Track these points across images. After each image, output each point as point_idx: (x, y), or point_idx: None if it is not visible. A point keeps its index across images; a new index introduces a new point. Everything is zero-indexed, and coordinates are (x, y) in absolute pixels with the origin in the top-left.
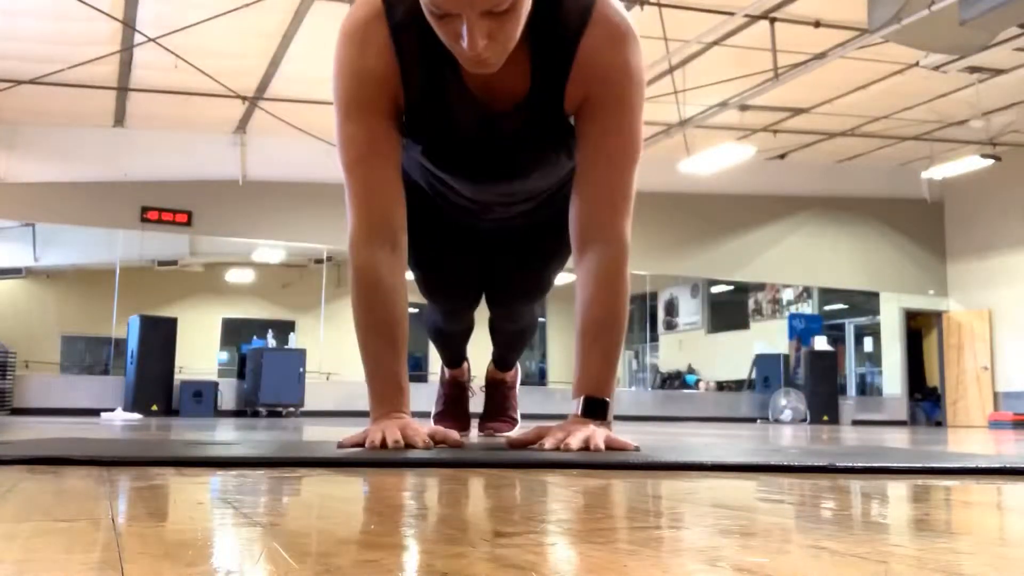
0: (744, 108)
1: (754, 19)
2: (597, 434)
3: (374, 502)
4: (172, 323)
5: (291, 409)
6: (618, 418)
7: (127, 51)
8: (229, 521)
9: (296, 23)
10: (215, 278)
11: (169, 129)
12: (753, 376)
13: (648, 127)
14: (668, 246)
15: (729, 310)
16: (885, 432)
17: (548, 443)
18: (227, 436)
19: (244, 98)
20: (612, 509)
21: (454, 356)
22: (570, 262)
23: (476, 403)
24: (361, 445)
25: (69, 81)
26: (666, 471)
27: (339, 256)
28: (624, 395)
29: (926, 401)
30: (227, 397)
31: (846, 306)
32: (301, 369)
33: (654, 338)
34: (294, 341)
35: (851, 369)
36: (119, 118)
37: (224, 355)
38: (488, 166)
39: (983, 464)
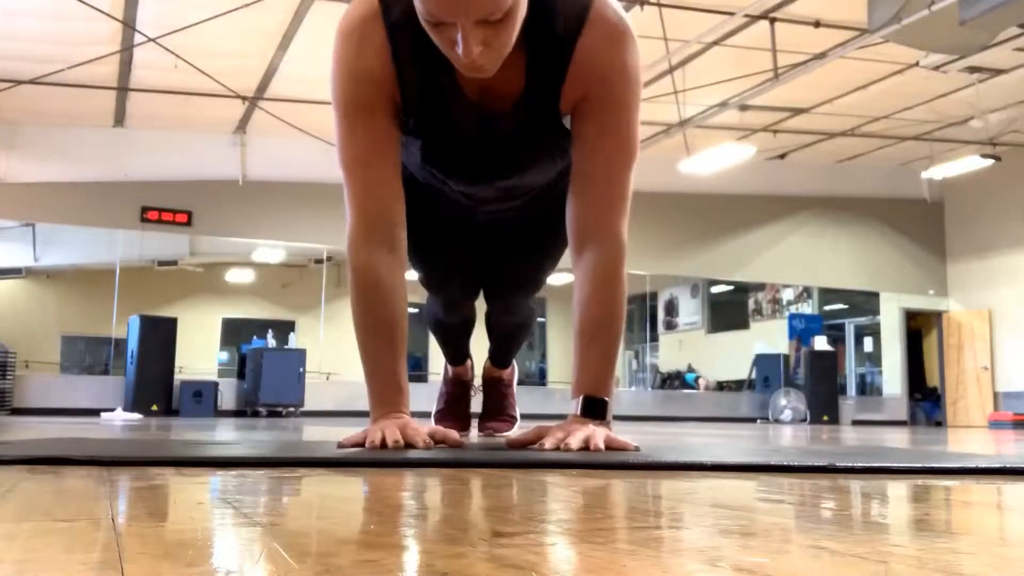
0: (744, 108)
1: (754, 19)
2: (597, 434)
3: (374, 502)
4: (172, 323)
5: (291, 409)
6: (618, 418)
7: (127, 51)
8: (229, 521)
9: (296, 23)
10: (215, 278)
11: (169, 129)
12: (753, 376)
13: (648, 127)
14: (668, 246)
15: (729, 310)
16: (885, 432)
17: (548, 443)
18: (227, 436)
19: (244, 98)
20: (612, 509)
21: (456, 352)
22: (567, 262)
23: (475, 403)
24: (361, 445)
25: (69, 81)
26: (666, 471)
27: (339, 256)
28: (624, 395)
29: (926, 401)
30: (227, 397)
31: (846, 306)
32: (301, 369)
33: (654, 338)
34: (294, 341)
35: (851, 369)
36: (119, 118)
37: (224, 355)
38: (485, 164)
39: (983, 464)
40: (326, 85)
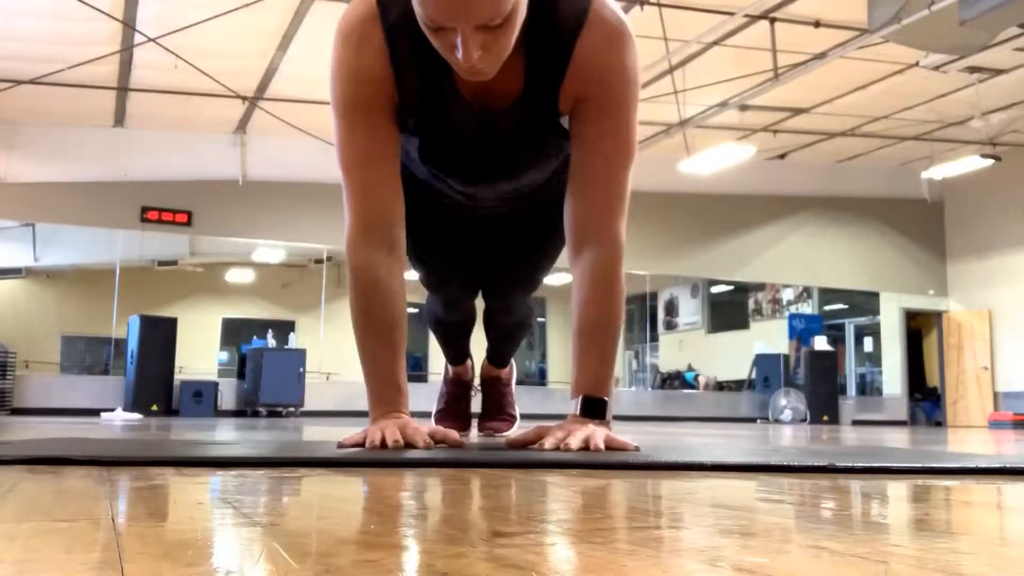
0: (744, 108)
1: (754, 19)
2: (597, 434)
3: (374, 502)
4: (172, 323)
5: (291, 409)
6: (618, 418)
7: (127, 51)
8: (229, 521)
9: (296, 23)
10: (215, 278)
11: (169, 129)
12: (753, 376)
13: (648, 127)
14: (668, 246)
15: (729, 310)
16: (885, 432)
17: (548, 443)
18: (227, 436)
19: (244, 98)
20: (612, 509)
21: (456, 351)
22: (566, 261)
23: (474, 403)
24: (361, 445)
25: (69, 81)
26: (666, 471)
27: (339, 256)
28: (624, 395)
29: (926, 401)
30: (227, 397)
31: (846, 306)
32: (301, 369)
33: (654, 338)
34: (294, 341)
35: (851, 369)
36: (119, 118)
37: (224, 355)
38: (484, 163)
39: (983, 464)
40: (326, 85)
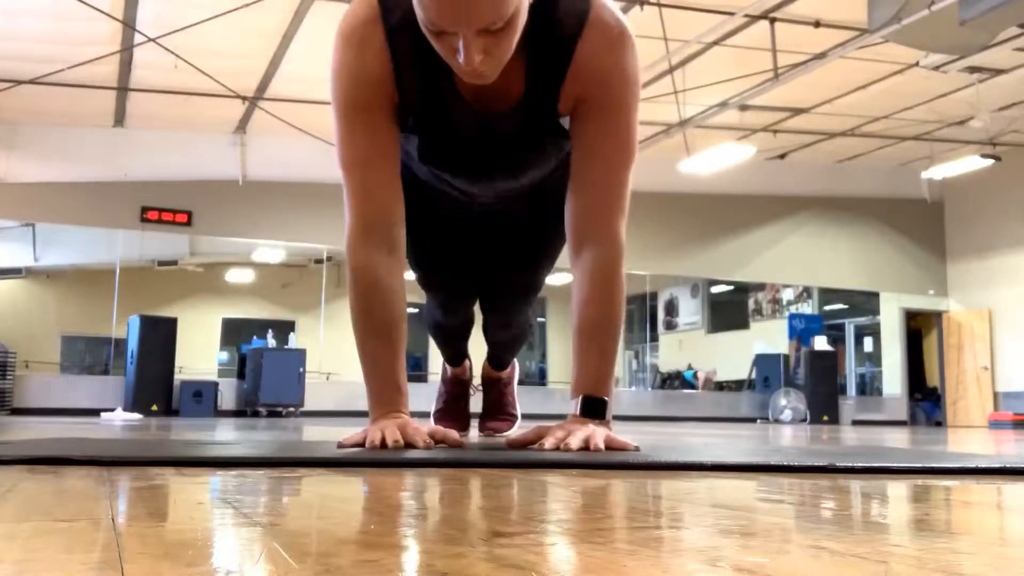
0: (744, 108)
1: (754, 19)
2: (597, 434)
3: (374, 502)
4: (172, 323)
5: (291, 409)
6: (618, 418)
7: (127, 51)
8: (229, 521)
9: (296, 23)
10: (215, 278)
11: (169, 129)
12: (753, 376)
13: (648, 127)
14: (668, 246)
15: (729, 310)
16: (885, 432)
17: (548, 443)
18: (227, 436)
19: (244, 98)
20: (612, 509)
21: (455, 353)
22: (565, 261)
23: (475, 402)
24: (361, 445)
25: (69, 81)
26: (666, 471)
27: (339, 256)
28: (624, 395)
29: (926, 401)
30: (227, 397)
31: (846, 306)
32: (301, 369)
33: (654, 338)
34: (294, 341)
35: (851, 369)
36: (119, 118)
37: (224, 355)
38: (484, 163)
39: (983, 464)
40: (326, 85)
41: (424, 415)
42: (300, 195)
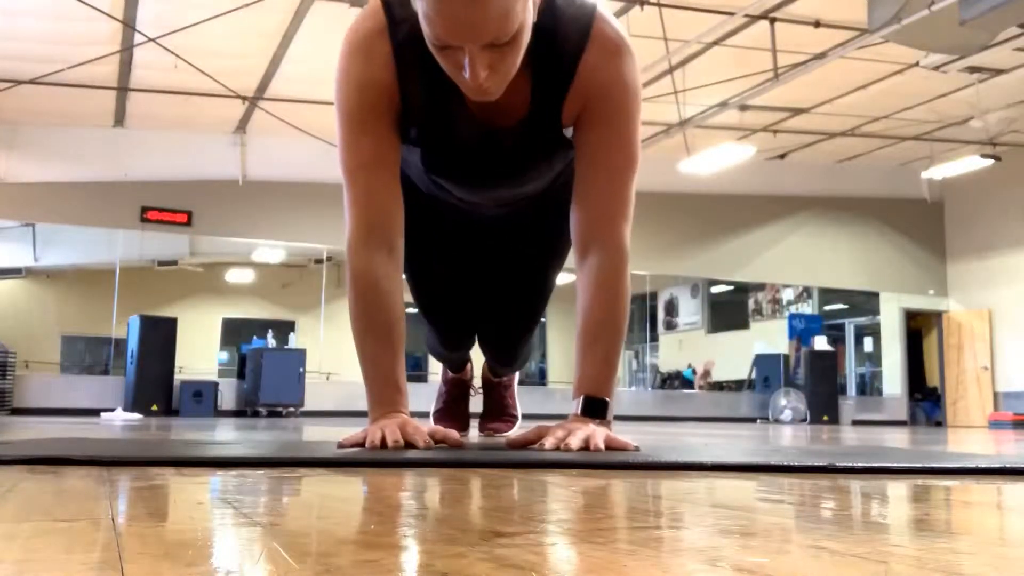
0: (744, 108)
1: (754, 19)
2: (597, 434)
3: (374, 502)
4: (172, 323)
5: (291, 409)
6: (618, 418)
7: (127, 51)
8: (229, 521)
9: (296, 23)
10: (215, 278)
11: (169, 129)
12: (753, 376)
13: (648, 127)
14: (668, 246)
15: (729, 310)
16: (885, 432)
17: (548, 443)
18: (227, 436)
19: (244, 98)
20: (612, 509)
21: (455, 366)
22: (568, 262)
23: (475, 403)
24: (361, 445)
25: (69, 81)
26: (666, 471)
27: (339, 256)
28: (624, 395)
29: (926, 401)
30: (227, 397)
31: (846, 306)
32: (301, 369)
33: (654, 338)
34: (294, 341)
35: (851, 369)
36: (119, 118)
37: (224, 355)
38: (486, 173)
39: (983, 464)
40: (326, 85)
41: (424, 415)
42: (300, 195)
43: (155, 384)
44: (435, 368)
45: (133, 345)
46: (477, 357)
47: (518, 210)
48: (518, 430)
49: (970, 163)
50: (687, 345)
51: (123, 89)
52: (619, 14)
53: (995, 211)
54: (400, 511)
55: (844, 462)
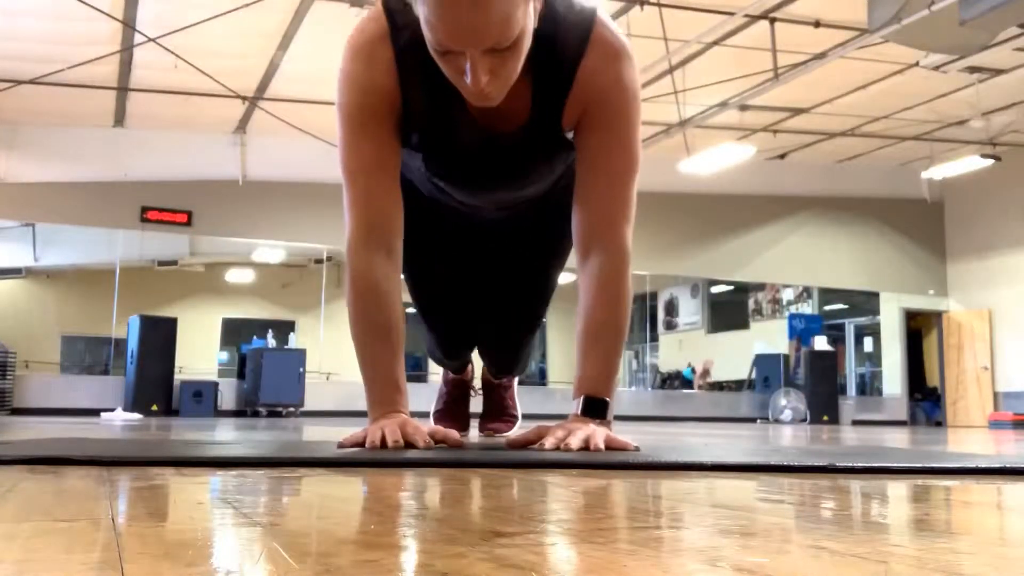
0: (744, 108)
1: (754, 19)
2: (597, 434)
3: (374, 502)
4: (172, 323)
5: (291, 409)
6: (618, 418)
7: (127, 51)
8: (229, 521)
9: (296, 23)
10: (215, 278)
11: (169, 129)
12: (753, 376)
13: (648, 127)
14: (668, 246)
15: (729, 310)
16: (885, 432)
17: (548, 443)
18: (227, 436)
19: (244, 98)
20: (612, 509)
21: (456, 369)
22: (569, 262)
23: (475, 403)
24: (361, 445)
25: (69, 81)
26: (666, 471)
27: (339, 256)
28: (624, 395)
29: (926, 401)
30: (227, 397)
31: (846, 306)
32: (301, 369)
33: (654, 338)
34: (294, 341)
35: (851, 369)
36: (119, 118)
37: (224, 355)
38: (487, 176)
39: (983, 464)
40: (326, 85)
41: (424, 415)
42: (300, 195)
43: (155, 384)
44: (435, 368)
45: (133, 345)
46: (477, 358)
47: (519, 213)
48: (518, 430)
49: (970, 163)
50: (687, 345)
51: (123, 89)
52: (619, 14)
53: (995, 211)
54: (400, 511)
55: (844, 462)
